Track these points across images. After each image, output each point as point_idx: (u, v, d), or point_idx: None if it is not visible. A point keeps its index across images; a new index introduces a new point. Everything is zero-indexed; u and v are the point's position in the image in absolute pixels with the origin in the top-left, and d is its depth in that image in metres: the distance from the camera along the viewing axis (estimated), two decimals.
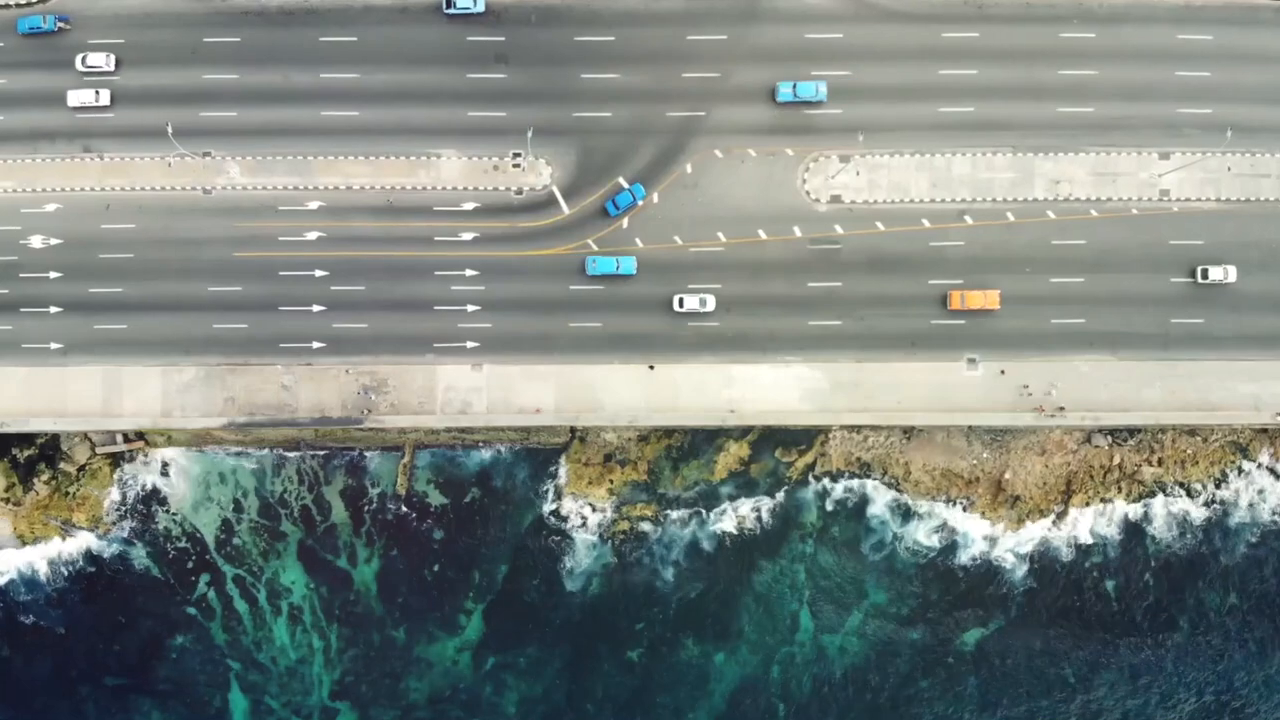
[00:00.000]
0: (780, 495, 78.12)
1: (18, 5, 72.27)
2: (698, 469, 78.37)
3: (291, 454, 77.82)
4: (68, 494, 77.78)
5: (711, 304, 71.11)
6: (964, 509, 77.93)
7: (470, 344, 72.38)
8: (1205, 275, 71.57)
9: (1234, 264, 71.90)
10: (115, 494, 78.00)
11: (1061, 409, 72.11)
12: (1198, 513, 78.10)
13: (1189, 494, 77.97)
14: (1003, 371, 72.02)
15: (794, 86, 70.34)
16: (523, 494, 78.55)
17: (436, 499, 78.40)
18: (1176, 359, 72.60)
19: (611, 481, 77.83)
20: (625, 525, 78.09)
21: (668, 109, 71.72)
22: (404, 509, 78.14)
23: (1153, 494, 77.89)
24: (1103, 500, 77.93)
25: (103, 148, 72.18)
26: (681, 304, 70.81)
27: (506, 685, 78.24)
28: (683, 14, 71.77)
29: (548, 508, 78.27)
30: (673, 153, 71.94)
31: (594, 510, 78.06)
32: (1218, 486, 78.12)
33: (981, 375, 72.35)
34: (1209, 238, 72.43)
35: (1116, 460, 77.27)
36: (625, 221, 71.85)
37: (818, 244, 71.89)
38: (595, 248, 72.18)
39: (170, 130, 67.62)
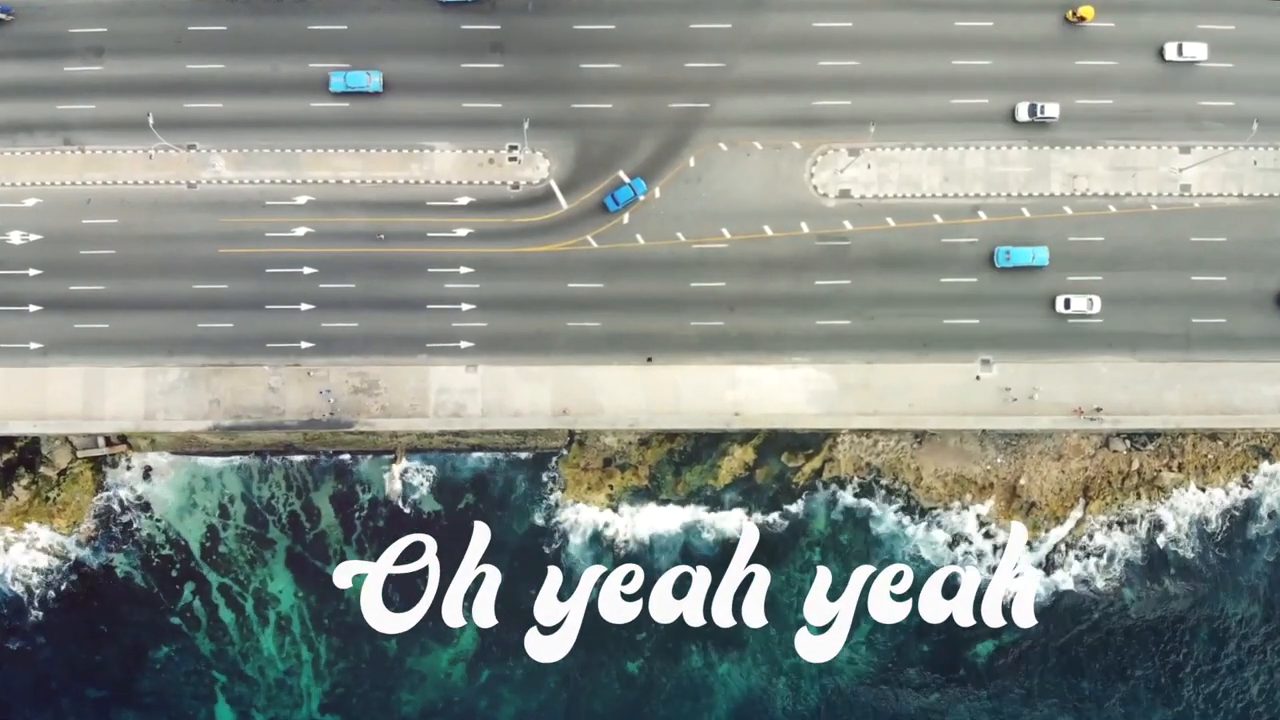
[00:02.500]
0: (786, 501, 76.84)
1: None
2: (701, 474, 77.07)
3: (279, 458, 76.49)
4: (48, 499, 76.32)
5: (1098, 305, 70.28)
6: (977, 515, 76.41)
7: (464, 344, 71.22)
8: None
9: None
10: (97, 499, 76.44)
11: (1099, 410, 70.45)
12: (1219, 520, 76.71)
13: (1210, 500, 76.52)
14: (978, 375, 70.82)
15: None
16: (519, 500, 77.29)
17: (429, 505, 76.96)
18: (1198, 360, 71.40)
19: (611, 487, 76.67)
20: (625, 532, 76.78)
21: (670, 100, 70.63)
22: (395, 515, 76.59)
23: (1173, 500, 76.39)
24: (1121, 507, 76.35)
25: (83, 140, 70.88)
26: (1068, 305, 69.63)
27: (502, 698, 76.91)
28: (685, 1, 70.59)
29: (545, 514, 77.04)
30: (675, 145, 70.74)
31: (593, 516, 76.80)
32: (1240, 492, 76.68)
33: (983, 380, 71.16)
34: (1231, 235, 71.34)
35: (1135, 465, 75.89)
36: (626, 217, 70.79)
37: (825, 240, 70.75)
38: (594, 244, 70.94)
39: (152, 121, 66.52)
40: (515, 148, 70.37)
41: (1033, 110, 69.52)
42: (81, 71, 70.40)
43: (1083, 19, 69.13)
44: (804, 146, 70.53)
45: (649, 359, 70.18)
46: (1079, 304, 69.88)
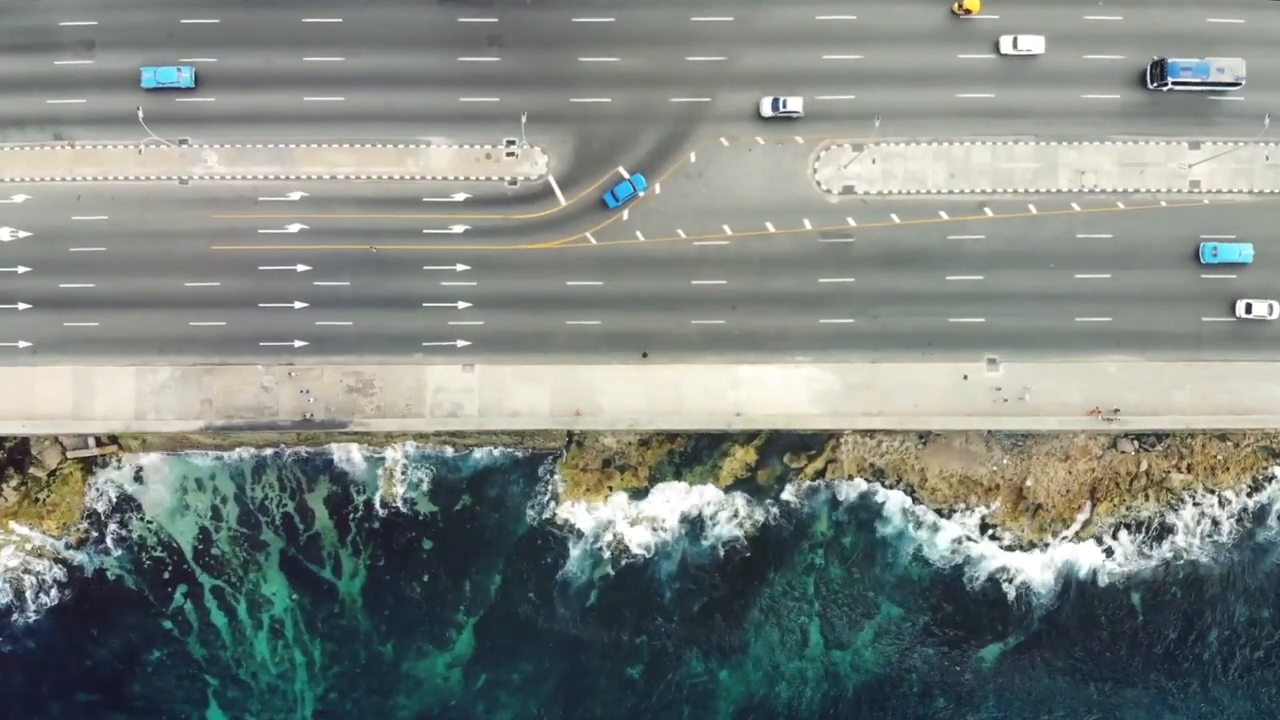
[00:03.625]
0: (789, 503, 76.10)
1: None
2: (701, 475, 76.16)
3: (272, 459, 75.59)
4: (38, 500, 75.41)
5: None
6: (983, 517, 75.65)
7: (461, 343, 70.37)
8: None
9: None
10: (88, 500, 75.67)
11: (1117, 411, 69.68)
12: (1228, 522, 75.94)
13: (1219, 502, 75.75)
14: (965, 377, 70.10)
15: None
16: (517, 501, 76.51)
17: (425, 506, 76.14)
18: (1208, 359, 70.64)
19: (610, 488, 75.85)
20: (625, 534, 76.06)
21: (670, 94, 69.77)
22: (391, 517, 75.97)
23: (1181, 502, 75.61)
24: (1128, 509, 75.52)
25: (74, 135, 69.91)
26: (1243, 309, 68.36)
27: (499, 703, 76.14)
28: None
29: (543, 516, 76.28)
30: (676, 141, 69.90)
31: (592, 518, 76.02)
32: (1250, 494, 75.98)
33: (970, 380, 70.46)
34: (1242, 232, 70.45)
35: (1144, 466, 75.02)
36: (625, 214, 69.98)
37: (829, 237, 69.95)
38: (593, 241, 70.14)
39: (141, 115, 65.45)
40: (513, 143, 69.56)
41: (776, 104, 68.23)
42: (72, 65, 69.37)
43: (969, 11, 68.52)
44: (807, 142, 69.69)
45: (644, 354, 69.41)
46: (1260, 309, 68.89)
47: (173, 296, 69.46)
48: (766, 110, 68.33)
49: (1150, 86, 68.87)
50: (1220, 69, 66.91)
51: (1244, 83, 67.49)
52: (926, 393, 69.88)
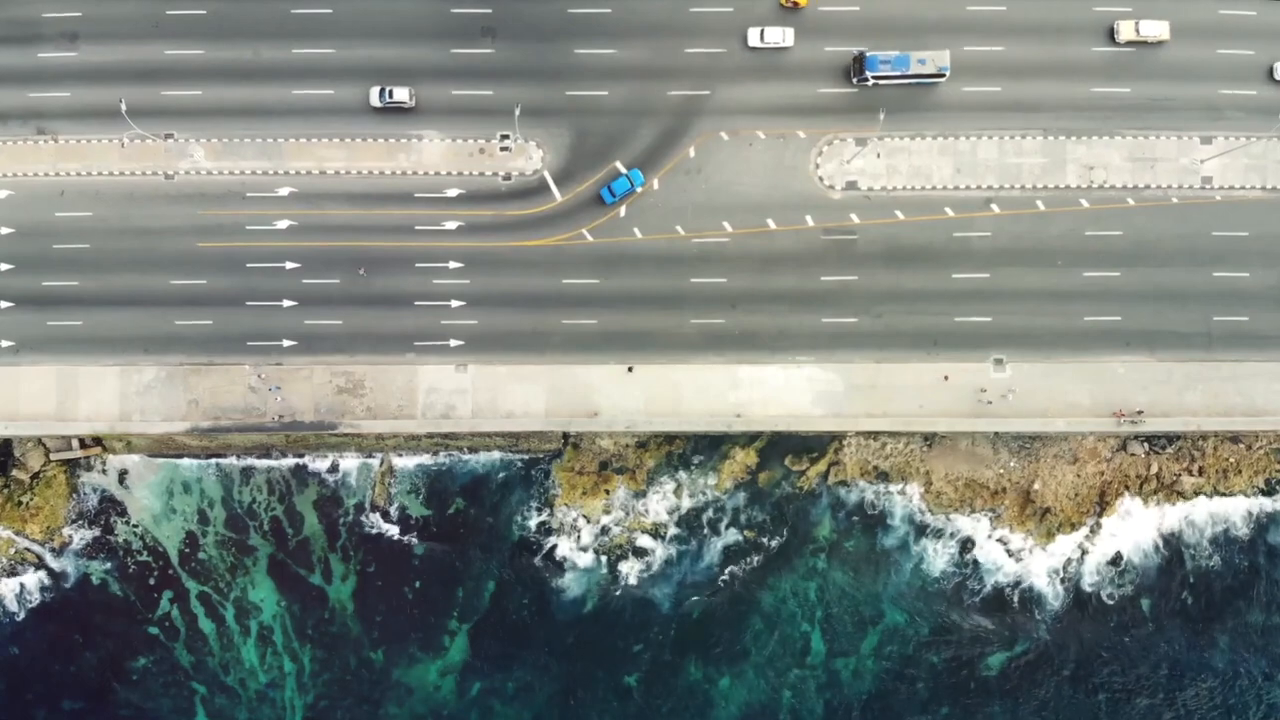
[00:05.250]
0: (790, 507, 75.01)
1: None
2: (701, 478, 75.16)
3: (261, 462, 74.46)
4: (20, 503, 74.10)
5: None
6: (990, 522, 74.32)
7: (454, 342, 69.58)
8: None
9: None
10: (72, 504, 74.37)
11: (1140, 413, 68.83)
12: (1240, 525, 74.62)
13: (1231, 505, 74.37)
14: (946, 377, 69.07)
15: None
16: (511, 505, 75.37)
17: (417, 510, 75.11)
18: (1219, 360, 69.86)
19: (608, 492, 74.60)
20: (622, 539, 74.99)
21: (669, 87, 69.01)
22: (382, 521, 74.96)
23: (1192, 505, 74.26)
24: (1139, 512, 74.10)
25: (57, 129, 69.15)
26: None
27: (493, 712, 74.92)
28: None
29: (539, 520, 75.12)
30: (674, 135, 69.08)
31: (588, 523, 74.92)
32: (1262, 496, 74.53)
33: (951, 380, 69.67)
34: (1254, 229, 69.79)
35: (1154, 469, 73.66)
36: (623, 210, 69.18)
37: (832, 234, 69.05)
38: (590, 238, 69.23)
39: (124, 108, 64.43)
40: (507, 137, 68.68)
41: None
42: (55, 58, 68.63)
43: (796, 4, 67.54)
44: (809, 136, 68.88)
45: (629, 368, 68.72)
46: None
47: (158, 294, 68.83)
48: (375, 101, 67.17)
49: (852, 82, 67.59)
50: (921, 61, 65.51)
51: (947, 75, 66.30)
52: (931, 393, 68.88)
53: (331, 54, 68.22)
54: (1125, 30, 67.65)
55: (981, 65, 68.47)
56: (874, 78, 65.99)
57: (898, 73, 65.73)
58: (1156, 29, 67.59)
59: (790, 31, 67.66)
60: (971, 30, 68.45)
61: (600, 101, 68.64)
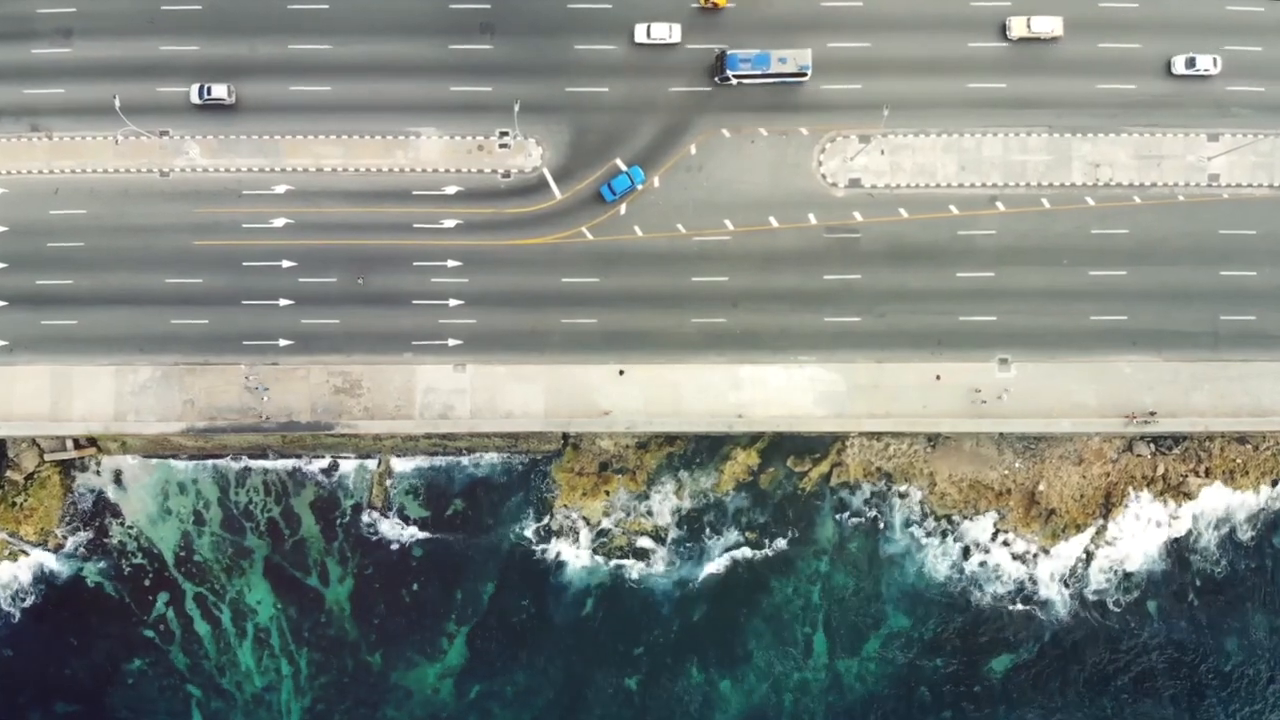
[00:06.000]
0: (792, 509, 74.60)
1: None
2: (702, 479, 74.75)
3: (257, 462, 73.98)
4: (14, 504, 73.56)
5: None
6: (994, 523, 73.83)
7: (452, 342, 69.07)
8: None
9: None
10: (66, 504, 73.86)
11: (1153, 414, 68.34)
12: (1247, 527, 74.18)
13: (1239, 506, 73.92)
14: (938, 377, 68.58)
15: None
16: (510, 506, 74.94)
17: (416, 511, 74.66)
18: (1227, 359, 69.45)
19: (607, 493, 74.16)
20: (623, 540, 74.60)
21: (670, 84, 68.37)
22: (380, 523, 74.55)
23: (1200, 506, 73.73)
24: (1145, 514, 73.60)
25: (51, 126, 68.32)
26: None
27: (492, 715, 74.65)
28: None
29: (538, 521, 74.71)
30: (675, 132, 68.61)
31: (588, 524, 74.51)
32: (1270, 497, 74.15)
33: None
34: (1262, 227, 69.37)
35: (1160, 470, 73.26)
36: (623, 208, 68.67)
37: (835, 232, 68.66)
38: (590, 236, 68.70)
39: (118, 104, 63.72)
40: (506, 134, 68.12)
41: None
42: (49, 54, 67.86)
43: (715, 5, 66.84)
44: (812, 133, 68.37)
45: (620, 371, 68.31)
46: None
47: (153, 293, 68.32)
48: (195, 98, 66.64)
49: (716, 80, 67.07)
50: (782, 59, 64.92)
51: (809, 73, 65.77)
52: (935, 393, 68.43)
53: (328, 50, 67.61)
54: (1017, 27, 66.97)
55: (986, 61, 68.02)
56: (735, 76, 65.52)
57: (758, 71, 65.26)
58: (1049, 25, 66.87)
59: (678, 27, 67.09)
60: (977, 28, 67.79)
61: (600, 98, 68.11)
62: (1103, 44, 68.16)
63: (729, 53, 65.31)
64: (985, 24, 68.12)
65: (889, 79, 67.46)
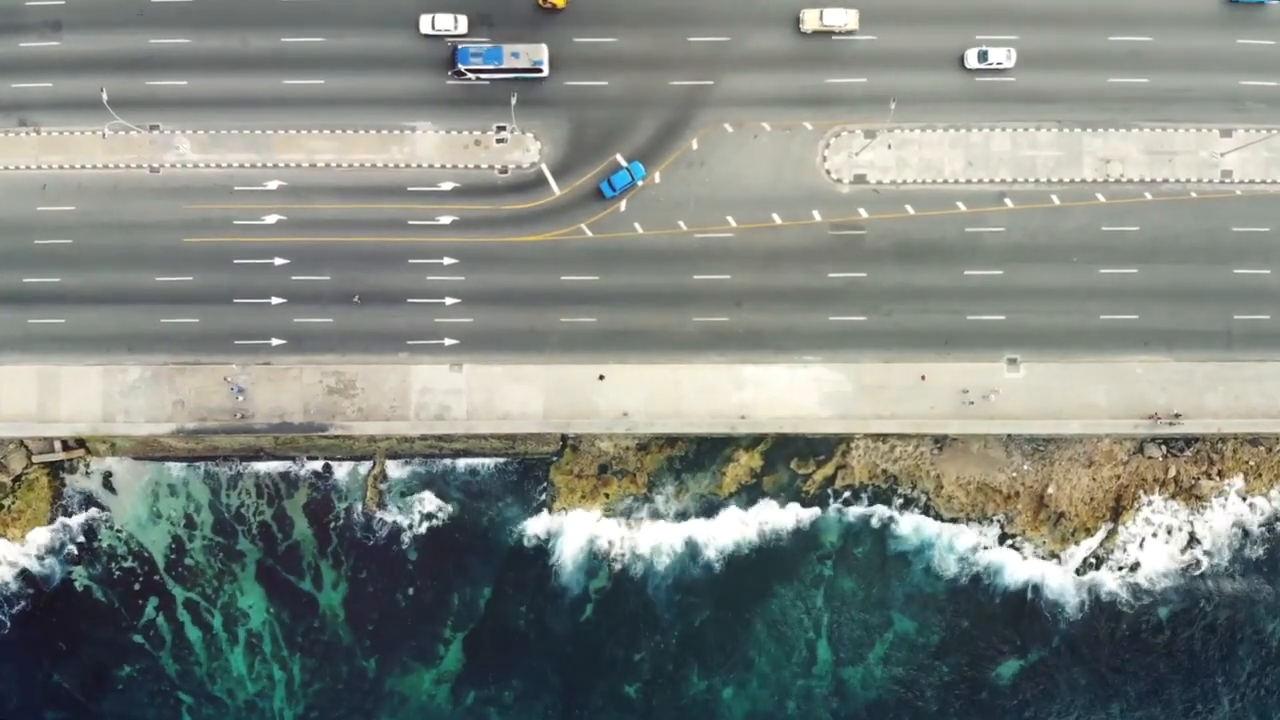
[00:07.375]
0: (796, 511, 73.57)
1: None
2: (704, 481, 73.82)
3: (249, 465, 73.04)
4: (2, 507, 72.61)
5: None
6: (1002, 527, 72.79)
7: (448, 341, 68.47)
8: None
9: None
10: (54, 507, 72.92)
11: (1178, 416, 67.41)
12: (1260, 531, 72.92)
13: (1251, 509, 72.70)
14: (923, 376, 68.02)
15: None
16: (508, 509, 74.01)
17: (411, 515, 73.72)
18: (1240, 359, 68.65)
19: (607, 495, 73.25)
20: (622, 544, 73.60)
21: (671, 77, 67.41)
22: (375, 526, 73.67)
23: (1211, 509, 72.53)
24: (1155, 517, 72.43)
25: (40, 121, 67.58)
26: None
27: None
28: None
29: (536, 524, 73.72)
30: (677, 127, 67.65)
31: (587, 527, 73.41)
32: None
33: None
34: (1276, 224, 68.38)
35: (1172, 473, 71.98)
36: (623, 204, 67.87)
37: (839, 229, 67.83)
38: (589, 233, 67.84)
39: (106, 98, 62.85)
40: (503, 128, 67.21)
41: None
42: (38, 47, 67.00)
43: (554, 6, 65.58)
44: (816, 128, 67.42)
45: (600, 376, 67.73)
46: None
47: (143, 291, 67.78)
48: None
49: (449, 76, 66.03)
50: (514, 54, 63.97)
51: (545, 70, 64.87)
52: (942, 394, 67.71)
53: (322, 43, 66.70)
54: (810, 20, 65.84)
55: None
56: (467, 70, 64.47)
57: (490, 66, 64.26)
58: (843, 18, 65.62)
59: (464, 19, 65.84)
60: (985, 20, 66.91)
61: (600, 92, 67.17)
62: (1114, 37, 67.16)
63: (459, 47, 64.05)
64: (995, 16, 67.02)
65: (895, 72, 66.48)
